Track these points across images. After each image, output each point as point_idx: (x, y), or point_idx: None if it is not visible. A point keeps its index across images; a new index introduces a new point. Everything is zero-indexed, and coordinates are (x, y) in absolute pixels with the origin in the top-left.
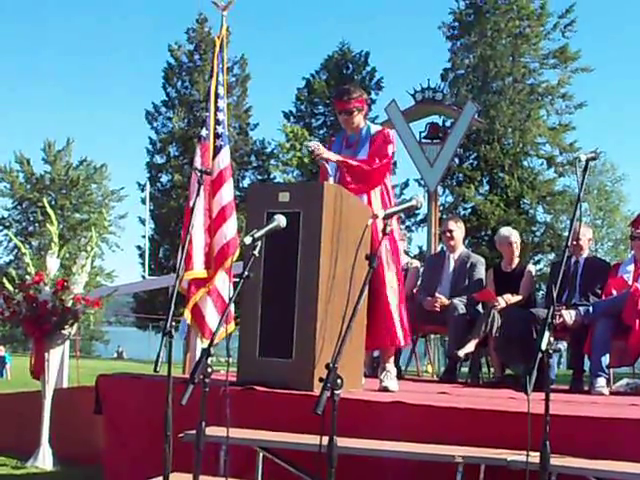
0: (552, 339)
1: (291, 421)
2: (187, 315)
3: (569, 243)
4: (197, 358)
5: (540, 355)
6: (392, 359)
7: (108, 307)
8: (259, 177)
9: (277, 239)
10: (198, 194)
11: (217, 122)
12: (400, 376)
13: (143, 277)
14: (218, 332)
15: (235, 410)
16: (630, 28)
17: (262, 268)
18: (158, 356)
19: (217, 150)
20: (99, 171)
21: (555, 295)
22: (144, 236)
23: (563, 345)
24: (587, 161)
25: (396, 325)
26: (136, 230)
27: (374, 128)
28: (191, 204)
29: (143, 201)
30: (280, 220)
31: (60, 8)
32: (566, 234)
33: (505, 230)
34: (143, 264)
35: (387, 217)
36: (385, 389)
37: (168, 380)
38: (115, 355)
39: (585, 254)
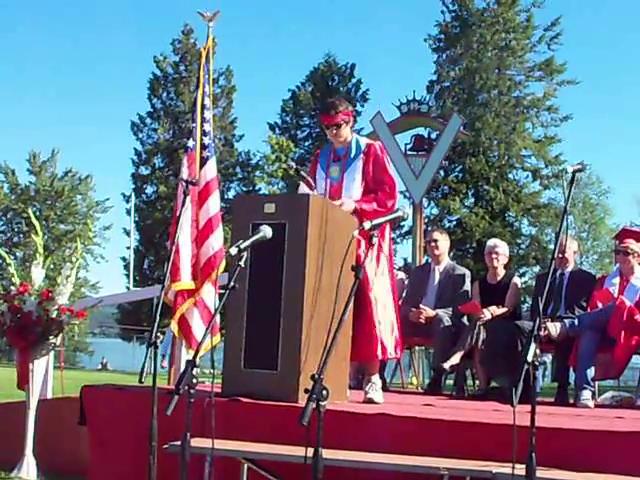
0: (538, 351)
1: (276, 432)
2: (174, 326)
3: (556, 255)
4: (182, 369)
5: (526, 367)
6: (377, 371)
7: (92, 318)
8: (244, 189)
9: (262, 250)
10: (184, 205)
11: (203, 133)
12: (385, 388)
13: (128, 288)
14: (204, 343)
15: (220, 421)
16: (616, 41)
17: (247, 279)
18: (143, 367)
19: (204, 161)
20: (84, 182)
21: (541, 307)
22: (129, 247)
23: (548, 358)
24: (574, 173)
25: (382, 337)
26: (121, 241)
27: (363, 141)
28: (177, 215)
29: (128, 212)
30: (266, 231)
31: (45, 17)
32: (551, 247)
33: (491, 241)
34: (128, 275)
35: (373, 228)
36: (370, 401)
37: (153, 391)
38: (99, 366)
39: (571, 267)
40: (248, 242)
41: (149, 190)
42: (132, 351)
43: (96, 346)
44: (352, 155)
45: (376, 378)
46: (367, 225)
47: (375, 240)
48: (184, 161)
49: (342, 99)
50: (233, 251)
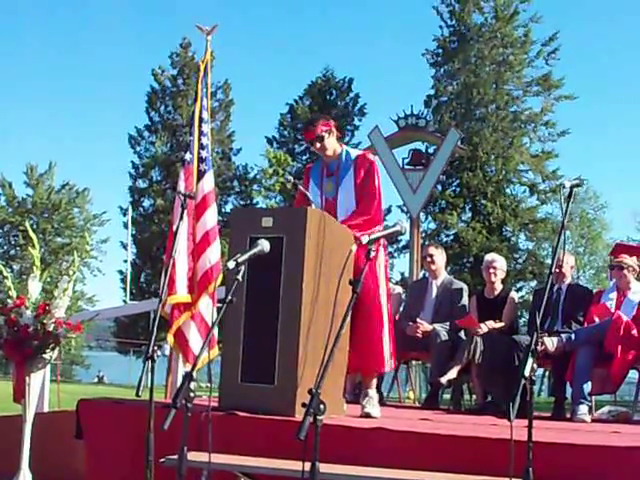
0: (535, 366)
1: (273, 446)
2: (170, 340)
3: (553, 270)
4: (179, 382)
5: (523, 382)
6: (375, 385)
7: (89, 332)
8: (241, 202)
9: (260, 264)
10: (181, 218)
11: (201, 146)
12: (382, 402)
13: (124, 302)
14: (201, 357)
15: (217, 435)
16: (613, 56)
17: (245, 293)
18: (140, 380)
19: (201, 174)
20: (81, 195)
21: (539, 322)
22: (126, 261)
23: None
24: (571, 188)
25: (384, 350)
26: (118, 255)
27: (354, 153)
28: (174, 228)
29: (125, 225)
30: (264, 245)
31: (42, 30)
32: (548, 261)
33: (489, 255)
34: (125, 289)
35: (371, 242)
36: (367, 415)
37: (150, 405)
38: (96, 380)
39: (567, 281)
40: (246, 256)
41: (146, 203)
42: (129, 365)
43: (93, 360)
44: (344, 169)
45: (373, 392)
46: (365, 239)
47: (373, 254)
48: (181, 174)
49: (319, 114)
50: (231, 265)
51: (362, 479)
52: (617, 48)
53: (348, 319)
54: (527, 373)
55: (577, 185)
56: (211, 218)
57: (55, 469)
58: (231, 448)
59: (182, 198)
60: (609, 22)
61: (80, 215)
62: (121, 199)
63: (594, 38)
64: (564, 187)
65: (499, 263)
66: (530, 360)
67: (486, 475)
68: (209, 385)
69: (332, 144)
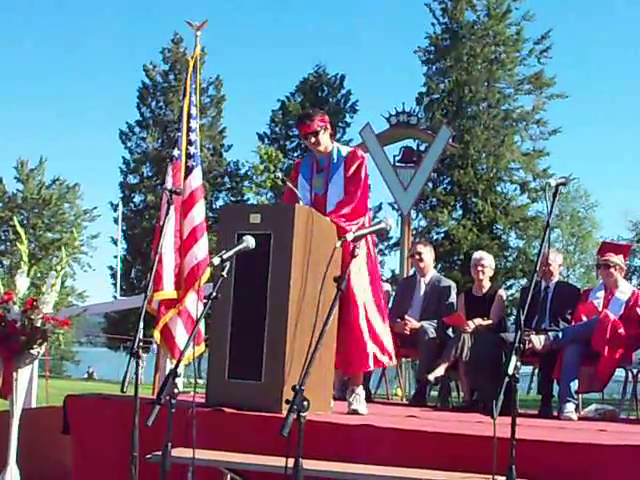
0: (519, 364)
1: (260, 443)
2: (157, 336)
3: (538, 268)
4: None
5: (507, 380)
6: (361, 382)
7: (79, 327)
8: (232, 198)
9: (248, 260)
10: (168, 214)
11: (189, 142)
12: (370, 399)
13: (115, 297)
14: (186, 353)
15: (204, 431)
16: (605, 55)
17: (232, 289)
18: (125, 376)
19: (189, 170)
20: (72, 190)
21: (522, 320)
22: (116, 256)
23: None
24: (557, 186)
25: (373, 347)
26: (108, 250)
27: (344, 150)
28: (161, 224)
29: (116, 221)
30: (249, 241)
31: (33, 26)
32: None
33: (477, 253)
34: (115, 284)
35: (356, 239)
36: (354, 412)
37: (135, 401)
38: (86, 375)
39: (555, 279)
40: (231, 252)
41: (137, 199)
42: (119, 360)
43: (83, 355)
44: (334, 166)
45: (360, 389)
46: (349, 236)
47: (358, 251)
48: (169, 170)
49: (316, 109)
50: (216, 261)
51: (347, 475)
52: (609, 47)
53: (333, 317)
54: (511, 371)
55: (562, 184)
56: (198, 214)
57: (43, 464)
58: (218, 444)
59: (169, 194)
60: (601, 21)
61: (71, 210)
62: (112, 195)
63: (586, 37)
64: (550, 185)
65: (487, 261)
66: (514, 358)
67: (472, 472)
68: (192, 381)
69: (325, 140)
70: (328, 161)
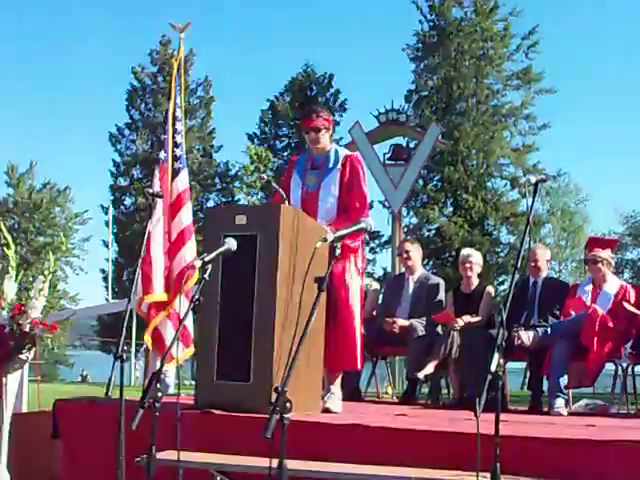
0: (502, 361)
1: (249, 444)
2: (147, 339)
3: (519, 264)
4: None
5: (490, 377)
6: (339, 381)
7: (72, 331)
8: (223, 199)
9: (235, 262)
10: (151, 217)
11: (175, 145)
12: (360, 398)
13: (107, 300)
14: (167, 356)
15: (193, 433)
16: (593, 49)
17: (220, 291)
18: (110, 380)
19: (175, 173)
20: (63, 194)
21: (505, 317)
22: (108, 259)
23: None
24: (537, 183)
25: (356, 349)
26: (100, 253)
27: (342, 152)
28: (144, 226)
29: (107, 224)
30: (230, 243)
31: (21, 29)
32: (528, 256)
33: (465, 250)
34: (107, 287)
35: (337, 240)
36: (327, 410)
37: (120, 404)
38: (79, 379)
39: (543, 275)
40: (212, 255)
41: (128, 202)
42: (112, 363)
43: (76, 359)
44: (330, 165)
45: (336, 388)
46: (330, 237)
47: (338, 252)
48: (156, 173)
49: (324, 107)
50: (197, 264)
51: (333, 475)
52: (597, 41)
53: (314, 317)
54: (493, 368)
55: (542, 180)
56: (186, 217)
57: (33, 469)
58: (208, 446)
59: (150, 198)
60: (588, 15)
61: (62, 214)
62: (102, 198)
63: (574, 31)
64: (530, 182)
65: (475, 258)
66: (496, 355)
67: (461, 470)
68: (184, 383)
69: (325, 140)
70: (324, 160)
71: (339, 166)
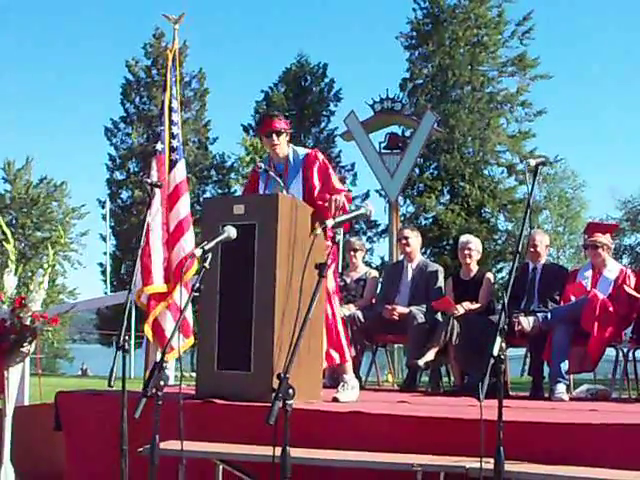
0: (504, 345)
1: (251, 433)
2: (147, 330)
3: (519, 249)
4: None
5: (492, 361)
6: (349, 370)
7: (72, 324)
8: (219, 191)
9: (234, 252)
10: (150, 207)
11: (172, 136)
12: (361, 386)
13: (106, 294)
14: (168, 346)
15: (195, 423)
16: (588, 34)
17: (219, 281)
18: (112, 371)
19: (172, 164)
20: (59, 189)
21: (506, 302)
22: (105, 253)
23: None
24: (537, 166)
25: (343, 343)
26: (98, 247)
27: (301, 151)
28: (142, 218)
29: (104, 218)
30: (230, 231)
31: (16, 24)
32: (527, 242)
33: (464, 237)
34: (105, 281)
35: (336, 226)
36: (334, 400)
37: (122, 395)
38: (79, 372)
39: (543, 260)
40: (212, 243)
41: (124, 195)
42: (112, 356)
43: (76, 352)
44: (292, 168)
45: (349, 377)
46: (330, 223)
47: (338, 238)
48: (153, 164)
49: (278, 112)
50: (197, 252)
51: (335, 462)
52: (592, 26)
53: (315, 303)
54: (495, 352)
55: (542, 163)
56: (184, 207)
57: (36, 461)
58: (210, 436)
59: (149, 188)
60: (583, 1)
61: (59, 209)
62: (99, 192)
63: (568, 17)
64: (529, 165)
65: (474, 244)
66: (498, 339)
67: (463, 455)
68: (184, 374)
69: (284, 144)
70: (285, 166)
71: (301, 169)
